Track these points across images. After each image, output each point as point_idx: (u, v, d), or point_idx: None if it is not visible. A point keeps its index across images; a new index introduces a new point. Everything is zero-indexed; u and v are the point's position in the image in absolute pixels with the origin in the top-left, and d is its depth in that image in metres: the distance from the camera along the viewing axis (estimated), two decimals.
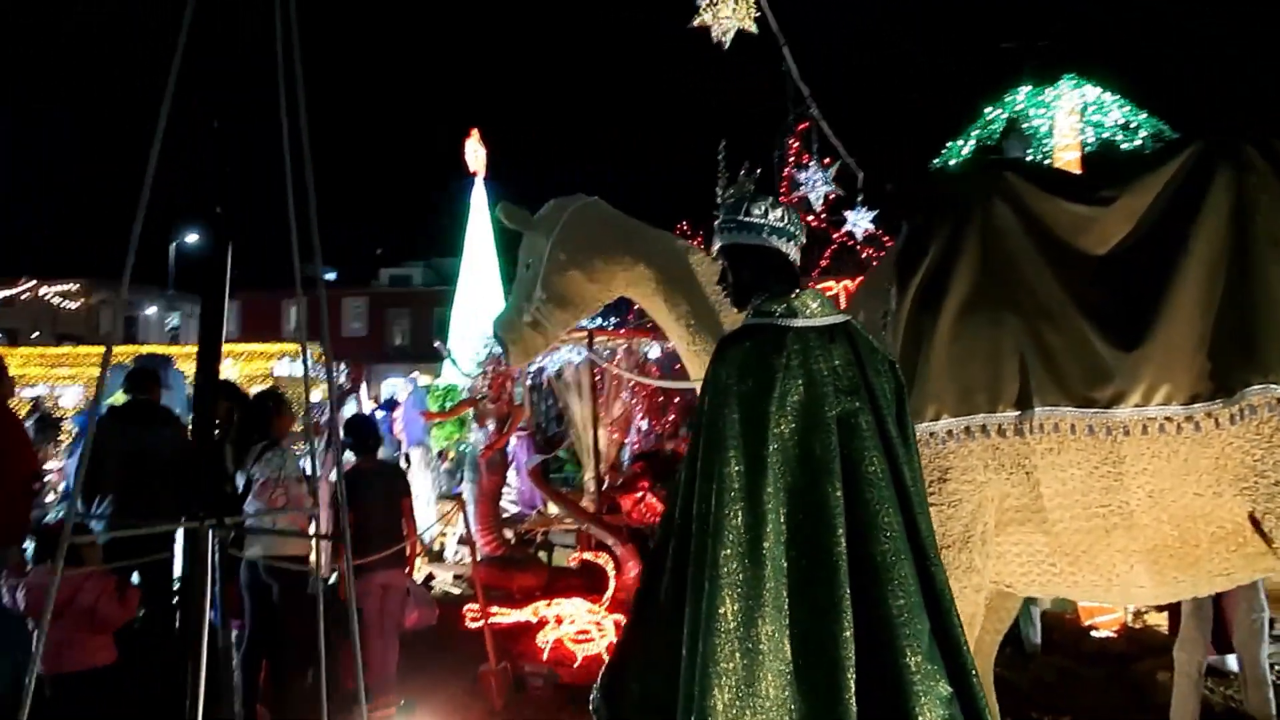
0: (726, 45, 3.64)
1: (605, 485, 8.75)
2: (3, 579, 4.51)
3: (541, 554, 9.07)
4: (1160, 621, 6.13)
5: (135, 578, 5.02)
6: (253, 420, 5.35)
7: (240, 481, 5.14)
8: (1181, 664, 4.51)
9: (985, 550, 2.91)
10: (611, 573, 6.96)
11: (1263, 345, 2.74)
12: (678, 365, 8.86)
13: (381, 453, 6.67)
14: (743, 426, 2.17)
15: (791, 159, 9.35)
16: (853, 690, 2.02)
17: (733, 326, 3.28)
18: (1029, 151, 9.67)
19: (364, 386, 17.67)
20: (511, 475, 10.19)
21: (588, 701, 2.47)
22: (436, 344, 15.50)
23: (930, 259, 3.05)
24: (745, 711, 2.01)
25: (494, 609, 6.48)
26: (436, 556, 9.32)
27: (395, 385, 16.29)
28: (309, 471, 5.34)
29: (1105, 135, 10.74)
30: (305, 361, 2.82)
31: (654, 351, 10.64)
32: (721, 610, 2.06)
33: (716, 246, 2.53)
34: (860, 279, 9.56)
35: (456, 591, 8.42)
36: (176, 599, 5.43)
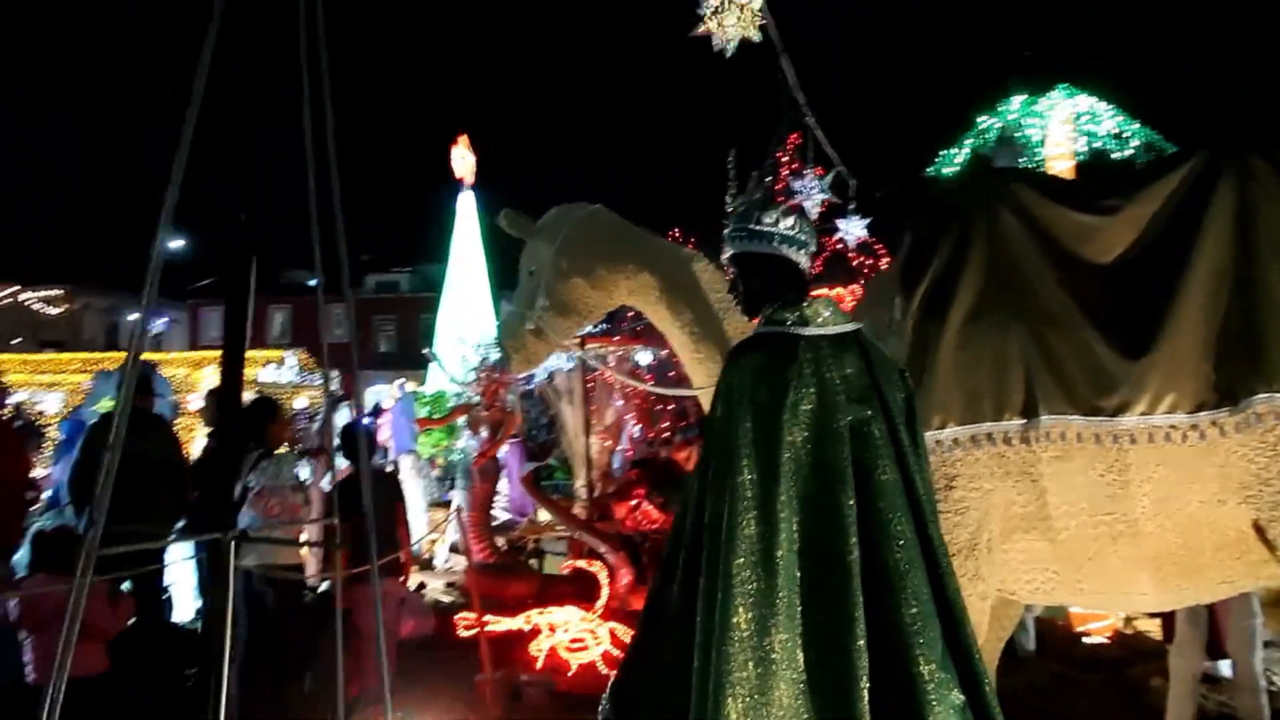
0: (729, 54, 3.62)
1: (597, 492, 8.72)
2: None
3: (532, 562, 9.02)
4: (1153, 627, 6.14)
5: (126, 585, 4.97)
6: (248, 428, 5.31)
7: (236, 490, 5.10)
8: (1177, 670, 4.52)
9: (991, 558, 2.92)
10: (604, 580, 6.92)
11: (1268, 353, 2.75)
12: (671, 372, 8.87)
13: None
14: (755, 435, 2.17)
15: (785, 171, 9.36)
16: (866, 699, 2.02)
17: (736, 334, 3.30)
18: (1020, 160, 9.73)
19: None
20: (502, 482, 10.15)
21: (585, 710, 2.46)
22: (425, 351, 15.45)
23: (935, 267, 3.07)
24: None
25: (487, 617, 6.44)
26: (426, 564, 9.27)
27: (381, 392, 16.21)
28: (304, 479, 5.31)
29: (1098, 145, 10.84)
30: (325, 373, 2.79)
31: (645, 358, 10.63)
32: (735, 619, 2.06)
33: (727, 255, 2.52)
34: (851, 286, 9.62)
35: (448, 600, 8.36)
36: (166, 608, 5.38)
